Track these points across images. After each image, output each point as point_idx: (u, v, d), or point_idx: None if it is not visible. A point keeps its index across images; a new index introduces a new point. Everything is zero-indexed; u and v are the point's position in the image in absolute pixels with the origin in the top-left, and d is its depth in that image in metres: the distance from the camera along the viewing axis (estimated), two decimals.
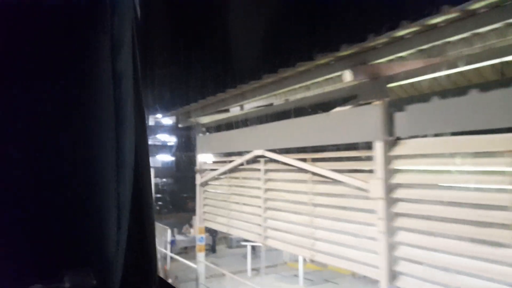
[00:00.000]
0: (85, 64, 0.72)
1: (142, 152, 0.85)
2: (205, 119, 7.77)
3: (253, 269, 13.14)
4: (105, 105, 0.75)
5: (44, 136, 0.68)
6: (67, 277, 0.66)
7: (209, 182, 7.68)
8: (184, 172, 42.02)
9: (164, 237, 12.45)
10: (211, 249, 15.76)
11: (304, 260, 13.50)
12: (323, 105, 4.96)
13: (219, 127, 7.59)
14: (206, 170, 7.85)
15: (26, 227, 0.67)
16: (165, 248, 10.96)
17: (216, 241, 16.10)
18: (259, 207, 5.99)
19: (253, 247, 16.50)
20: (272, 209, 5.75)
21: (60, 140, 0.70)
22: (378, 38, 3.44)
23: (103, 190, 0.75)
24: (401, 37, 3.39)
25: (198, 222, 7.90)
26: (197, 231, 7.99)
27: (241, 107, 6.75)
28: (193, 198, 28.25)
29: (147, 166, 0.88)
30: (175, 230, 15.77)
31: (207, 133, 7.93)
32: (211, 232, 15.99)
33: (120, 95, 0.77)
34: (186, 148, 43.93)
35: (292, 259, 13.78)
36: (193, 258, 13.84)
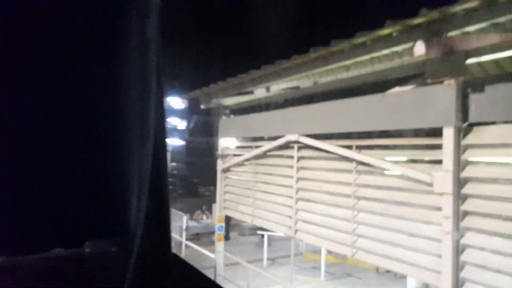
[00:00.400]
0: (114, 39, 0.76)
1: (161, 131, 0.88)
2: (229, 101, 7.25)
3: (267, 259, 12.71)
4: (131, 80, 0.80)
5: (75, 109, 0.73)
6: (87, 243, 0.75)
7: (232, 169, 7.20)
8: (195, 158, 41.92)
9: (179, 223, 12.06)
10: (224, 236, 15.40)
11: (322, 251, 13.08)
12: (370, 86, 4.40)
13: (244, 110, 7.07)
14: (228, 155, 7.36)
15: (51, 197, 0.71)
16: (180, 235, 10.58)
17: (229, 228, 15.75)
18: (290, 197, 5.50)
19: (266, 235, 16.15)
20: (306, 200, 5.25)
21: (89, 113, 0.75)
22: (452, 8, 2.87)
23: (127, 164, 0.80)
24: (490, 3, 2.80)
25: (218, 210, 7.45)
26: (216, 220, 7.55)
27: (268, 89, 6.21)
28: (203, 183, 27.96)
29: (164, 144, 0.91)
30: (187, 216, 15.46)
31: (231, 116, 7.41)
32: (226, 218, 15.65)
33: (145, 71, 0.81)
34: (199, 133, 43.72)
35: (309, 249, 13.36)
36: (205, 245, 13.48)
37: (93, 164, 0.76)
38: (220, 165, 7.44)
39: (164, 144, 0.91)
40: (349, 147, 4.46)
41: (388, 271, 9.32)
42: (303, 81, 5.37)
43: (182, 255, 9.90)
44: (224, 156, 7.40)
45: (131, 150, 0.81)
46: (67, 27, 0.71)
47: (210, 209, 17.51)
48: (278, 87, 5.97)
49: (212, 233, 14.96)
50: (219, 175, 7.47)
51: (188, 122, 49.20)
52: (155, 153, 0.85)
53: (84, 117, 0.76)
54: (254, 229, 17.15)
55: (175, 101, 48.49)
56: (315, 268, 10.82)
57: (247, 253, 13.52)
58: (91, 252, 0.74)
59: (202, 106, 7.47)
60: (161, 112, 0.89)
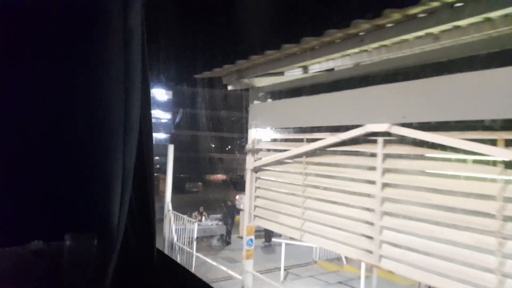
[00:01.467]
0: (94, 29, 0.73)
1: (146, 121, 0.89)
2: (265, 81, 5.67)
3: (277, 268, 11.24)
4: (115, 71, 0.76)
5: (53, 100, 0.69)
6: (67, 236, 0.69)
7: (267, 167, 5.64)
8: (181, 152, 40.00)
9: (178, 225, 10.29)
10: (223, 240, 13.84)
11: (341, 259, 11.68)
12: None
13: (288, 93, 5.50)
14: (261, 150, 5.80)
15: (31, 188, 0.68)
16: (188, 242, 8.87)
17: (231, 231, 14.18)
18: (370, 210, 4.00)
19: (269, 239, 14.61)
20: (397, 216, 3.76)
21: (68, 104, 0.71)
22: None
23: (110, 155, 0.76)
24: None
25: (247, 219, 5.88)
26: (244, 231, 5.97)
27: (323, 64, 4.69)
28: (191, 179, 26.22)
29: (150, 137, 0.92)
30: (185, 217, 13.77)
31: (269, 100, 5.83)
32: (225, 219, 14.03)
33: (129, 62, 0.78)
34: (184, 126, 41.72)
35: (323, 257, 11.96)
36: (204, 250, 11.82)
37: (74, 156, 0.72)
38: (250, 162, 5.86)
39: (150, 137, 0.92)
40: (493, 143, 2.98)
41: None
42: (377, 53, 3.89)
43: (193, 269, 8.26)
44: (255, 152, 5.82)
45: (115, 142, 0.77)
46: (45, 22, 0.67)
47: (206, 210, 15.86)
48: (342, 61, 4.44)
49: (210, 236, 13.25)
50: (248, 175, 5.89)
51: (173, 115, 47.19)
52: (140, 146, 0.84)
53: (66, 110, 0.71)
54: (257, 231, 15.62)
55: (159, 93, 46.42)
56: (341, 284, 9.36)
57: (255, 261, 11.98)
58: (71, 245, 0.69)
59: (229, 87, 5.84)
60: (146, 105, 0.88)
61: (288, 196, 5.22)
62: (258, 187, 5.84)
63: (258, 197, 5.85)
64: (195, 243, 8.19)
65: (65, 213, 0.72)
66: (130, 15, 0.77)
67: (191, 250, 8.22)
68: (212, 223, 13.34)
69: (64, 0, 0.69)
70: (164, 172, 33.58)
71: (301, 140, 4.98)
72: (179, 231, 8.86)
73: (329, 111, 4.60)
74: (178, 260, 8.41)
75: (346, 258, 11.14)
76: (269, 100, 5.81)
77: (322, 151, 4.67)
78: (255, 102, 5.86)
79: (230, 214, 14.26)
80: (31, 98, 0.67)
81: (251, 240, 5.93)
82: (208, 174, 36.38)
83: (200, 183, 32.26)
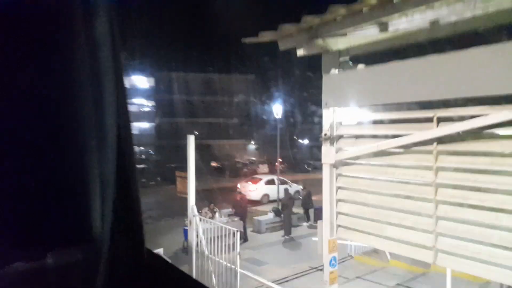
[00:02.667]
0: (60, 32, 0.69)
1: (124, 122, 0.83)
2: (349, 41, 4.07)
3: (312, 268, 9.86)
4: (83, 74, 0.72)
5: (20, 111, 0.65)
6: (50, 254, 0.66)
7: (356, 161, 4.10)
8: (166, 140, 38.00)
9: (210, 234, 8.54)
10: (242, 236, 12.34)
11: (378, 251, 10.40)
12: None
13: (384, 56, 3.93)
14: (344, 138, 4.25)
15: (6, 207, 0.64)
16: (228, 249, 7.10)
17: (246, 226, 12.69)
18: None
19: (289, 231, 13.23)
20: None
21: (37, 114, 0.67)
22: None
23: (85, 164, 0.73)
24: None
25: (328, 230, 4.35)
26: (325, 247, 4.44)
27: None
28: (180, 168, 24.37)
29: (130, 138, 0.87)
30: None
31: (360, 66, 4.21)
32: (241, 215, 12.50)
33: (99, 63, 0.74)
34: (169, 114, 39.61)
35: (359, 251, 10.65)
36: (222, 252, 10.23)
37: (48, 166, 0.68)
38: (327, 154, 4.29)
39: (129, 135, 0.87)
40: None
41: None
42: None
43: None
44: (334, 140, 4.26)
45: (91, 146, 0.74)
46: (11, 26, 0.63)
47: (217, 205, 14.27)
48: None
49: (223, 236, 11.65)
50: (327, 172, 4.33)
51: (155, 103, 44.75)
52: (119, 146, 0.80)
53: (34, 121, 0.67)
54: (272, 223, 14.22)
55: (140, 80, 43.82)
56: (400, 286, 8.01)
57: (282, 259, 10.57)
58: (55, 264, 0.66)
59: (300, 53, 4.18)
60: (123, 104, 0.83)
61: (401, 201, 3.70)
62: (342, 188, 4.30)
63: (341, 201, 4.31)
64: (238, 256, 6.59)
65: (45, 230, 0.69)
66: (99, 11, 0.73)
67: (233, 266, 6.62)
68: (226, 219, 11.76)
69: (29, 2, 0.65)
70: (153, 163, 31.40)
71: (426, 120, 3.44)
72: (210, 240, 7.24)
73: (472, 74, 3.06)
74: (215, 283, 6.83)
75: (389, 252, 9.81)
76: (360, 66, 4.20)
77: (471, 134, 3.16)
78: (332, 71, 4.25)
79: (243, 207, 12.71)
80: (5, 112, 0.64)
81: (334, 258, 4.41)
82: (199, 161, 34.67)
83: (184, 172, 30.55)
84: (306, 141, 44.96)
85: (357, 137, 4.17)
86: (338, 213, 4.33)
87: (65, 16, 0.70)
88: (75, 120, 0.72)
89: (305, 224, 14.44)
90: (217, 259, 6.85)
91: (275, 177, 21.18)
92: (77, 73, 0.72)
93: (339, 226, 4.35)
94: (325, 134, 4.25)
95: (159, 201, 20.45)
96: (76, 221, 0.72)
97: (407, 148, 3.61)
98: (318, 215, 14.86)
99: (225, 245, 6.97)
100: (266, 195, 19.74)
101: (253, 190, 18.40)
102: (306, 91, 39.48)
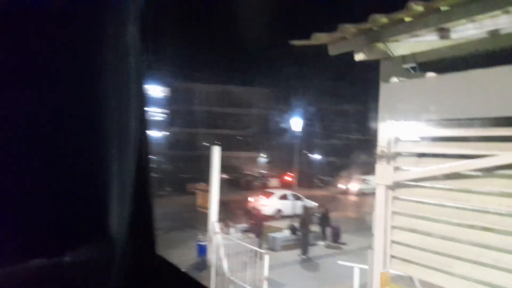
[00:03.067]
0: (89, 39, 0.71)
1: (143, 128, 0.87)
2: (414, 47, 3.57)
3: None
4: (110, 81, 0.75)
5: (48, 113, 0.67)
6: (68, 252, 0.68)
7: (419, 183, 3.56)
8: (178, 150, 37.66)
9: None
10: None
11: (403, 277, 9.67)
12: None
13: (459, 63, 3.43)
14: (404, 156, 3.72)
15: (28, 204, 0.66)
16: (249, 268, 6.54)
17: (261, 243, 12.07)
18: None
19: (306, 249, 12.56)
20: None
21: (63, 115, 0.69)
22: None
23: (104, 167, 0.76)
24: None
25: (381, 262, 3.79)
26: (376, 280, 3.87)
27: None
28: (191, 179, 23.92)
29: (148, 145, 0.92)
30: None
31: (430, 74, 3.70)
32: (257, 232, 11.89)
33: (124, 69, 0.78)
34: (181, 123, 39.41)
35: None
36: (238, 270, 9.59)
37: (69, 168, 0.70)
38: (383, 174, 3.75)
39: (146, 141, 0.91)
40: None
41: None
42: None
43: None
44: (391, 157, 3.73)
45: (112, 150, 0.77)
46: (40, 28, 0.65)
47: (232, 219, 13.71)
48: None
49: (240, 253, 10.95)
50: (381, 194, 3.79)
51: (169, 112, 44.61)
52: (137, 151, 0.83)
53: (58, 122, 0.69)
54: (288, 241, 13.57)
55: (153, 90, 43.82)
56: None
57: (301, 282, 9.91)
58: (72, 261, 0.68)
59: (359, 57, 3.69)
60: (142, 111, 0.87)
61: (478, 233, 3.14)
62: (398, 213, 3.74)
63: (397, 228, 3.76)
64: (266, 282, 6.01)
65: (64, 227, 0.70)
66: (128, 22, 0.75)
67: None
68: (242, 235, 11.17)
69: (61, 6, 0.66)
70: (163, 172, 30.95)
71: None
72: (230, 257, 6.67)
73: None
74: None
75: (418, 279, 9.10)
76: (429, 74, 3.69)
77: None
78: (393, 79, 3.75)
79: (258, 224, 12.11)
80: (22, 107, 0.64)
81: None
82: (207, 172, 34.07)
83: (202, 183, 29.99)
84: (316, 156, 44.28)
85: (420, 155, 3.63)
86: (393, 242, 3.77)
87: (94, 19, 0.71)
88: (98, 123, 0.74)
89: (321, 243, 13.78)
90: (239, 282, 6.27)
91: (288, 192, 20.59)
92: (102, 78, 0.73)
93: (393, 257, 3.79)
94: (383, 151, 3.72)
95: (169, 212, 19.94)
96: (94, 221, 0.74)
97: (489, 171, 3.06)
98: (336, 234, 14.19)
99: (246, 264, 6.41)
100: (279, 210, 19.11)
101: (265, 204, 17.78)
102: (318, 105, 39.06)
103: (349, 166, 43.12)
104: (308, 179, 34.33)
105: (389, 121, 3.75)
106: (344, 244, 13.92)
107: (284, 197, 19.83)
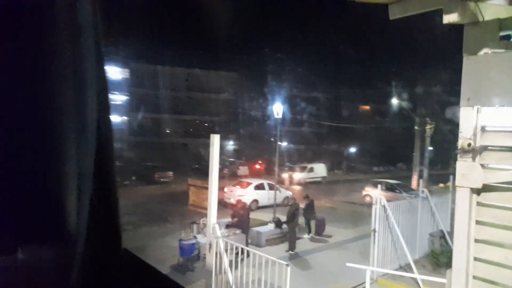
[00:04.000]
0: (43, 22, 0.67)
1: (105, 122, 0.81)
2: None
3: None
4: (68, 75, 0.71)
5: (2, 102, 0.64)
6: (21, 250, 0.65)
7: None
8: (141, 137, 35.64)
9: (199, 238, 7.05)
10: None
11: (412, 280, 9.19)
12: None
13: None
14: (489, 149, 2.91)
15: None
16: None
17: (248, 235, 11.17)
18: None
19: (293, 245, 11.84)
20: None
21: (15, 103, 0.65)
22: None
23: (62, 159, 0.72)
24: None
25: (462, 284, 2.98)
26: None
27: None
28: (159, 168, 22.57)
29: (110, 136, 0.86)
30: (195, 226, 10.46)
31: None
32: (243, 227, 10.95)
33: (80, 58, 0.74)
34: (144, 108, 37.30)
35: (380, 274, 9.41)
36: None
37: (22, 162, 0.66)
38: (467, 174, 2.93)
39: (109, 130, 0.85)
40: None
41: None
42: None
43: None
44: (478, 151, 2.91)
45: (69, 140, 0.73)
46: None
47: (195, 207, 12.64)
48: None
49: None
50: (464, 199, 2.96)
51: (130, 96, 42.06)
52: (98, 141, 0.77)
53: (12, 114, 0.65)
54: (272, 235, 12.77)
55: (112, 71, 41.03)
56: None
57: (297, 282, 9.11)
58: (25, 260, 0.65)
59: (449, 19, 2.78)
60: (104, 101, 0.81)
61: None
62: (485, 223, 2.95)
63: (483, 242, 2.96)
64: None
65: (17, 224, 0.66)
66: (80, 8, 0.71)
67: None
68: (227, 232, 10.19)
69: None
70: (125, 161, 29.03)
71: None
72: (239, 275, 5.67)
73: None
74: None
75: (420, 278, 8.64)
76: None
77: None
78: (484, 51, 2.89)
79: (244, 218, 11.18)
80: None
81: None
82: (176, 161, 32.52)
83: (170, 172, 28.47)
84: (284, 143, 43.91)
85: None
86: (477, 259, 2.98)
87: (45, 5, 0.66)
88: (54, 113, 0.69)
89: (305, 236, 13.12)
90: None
91: (264, 182, 19.81)
92: (57, 65, 0.69)
93: (475, 277, 3.00)
94: (469, 144, 2.87)
95: (137, 204, 18.49)
96: (51, 217, 0.70)
97: None
98: (320, 227, 13.59)
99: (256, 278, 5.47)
100: (255, 201, 18.27)
101: (242, 195, 16.84)
102: (290, 90, 38.45)
103: (314, 154, 43.25)
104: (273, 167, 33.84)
105: (474, 105, 2.92)
106: (329, 236, 13.37)
107: (260, 187, 19.01)
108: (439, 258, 9.48)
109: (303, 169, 31.40)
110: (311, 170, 31.61)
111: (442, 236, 10.85)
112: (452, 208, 12.63)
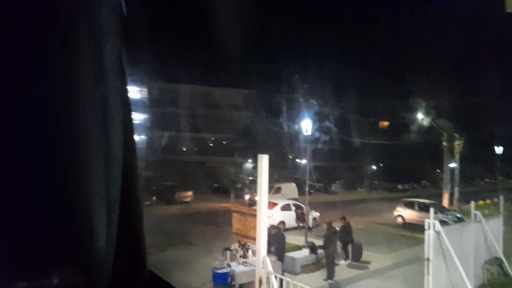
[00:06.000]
0: (70, 60, 0.69)
1: (130, 146, 0.84)
2: None
3: None
4: (92, 101, 0.73)
5: (30, 133, 0.65)
6: (54, 275, 0.66)
7: None
8: (159, 156, 35.23)
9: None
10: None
11: None
12: None
13: None
14: None
15: (12, 226, 0.64)
16: None
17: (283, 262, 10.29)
18: None
19: (333, 272, 10.93)
20: None
21: (46, 137, 0.67)
22: None
23: (91, 187, 0.75)
24: None
25: None
26: None
27: None
28: (178, 187, 21.79)
29: (135, 160, 0.89)
30: (227, 253, 9.69)
31: None
32: (279, 254, 10.12)
33: (107, 90, 0.76)
34: (161, 127, 37.06)
35: None
36: None
37: (54, 189, 0.68)
38: None
39: (133, 152, 0.87)
40: None
41: None
42: None
43: None
44: None
45: (97, 165, 0.74)
46: (18, 30, 0.64)
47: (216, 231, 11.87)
48: None
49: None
50: None
51: (148, 115, 42.09)
52: (124, 164, 0.79)
53: (42, 142, 0.67)
54: (307, 262, 11.92)
55: (131, 90, 41.16)
56: None
57: None
58: (59, 284, 0.66)
59: None
60: (128, 128, 0.82)
61: None
62: None
63: None
64: None
65: (50, 249, 0.67)
66: (105, 32, 0.72)
67: None
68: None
69: (36, 30, 0.64)
70: (145, 180, 28.67)
71: None
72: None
73: None
74: None
75: None
76: None
77: None
78: None
79: (280, 244, 10.32)
80: (9, 133, 0.62)
81: None
82: (195, 180, 31.94)
83: (190, 192, 27.88)
84: (304, 161, 43.04)
85: None
86: None
87: (72, 23, 0.67)
88: (81, 135, 0.70)
89: (343, 262, 12.19)
90: None
91: (290, 202, 18.99)
92: (82, 87, 0.70)
93: None
94: None
95: (158, 226, 17.84)
96: (81, 242, 0.71)
97: None
98: (358, 252, 12.65)
99: None
100: (282, 223, 17.43)
101: (269, 216, 16.06)
102: (312, 106, 37.86)
103: (334, 171, 42.25)
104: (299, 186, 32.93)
105: None
106: (367, 262, 12.40)
107: (287, 208, 18.18)
108: None
109: (269, 189, 27.39)
110: (278, 190, 26.60)
111: (500, 264, 9.81)
112: (504, 232, 11.57)
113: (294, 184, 27.49)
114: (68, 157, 0.70)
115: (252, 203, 19.91)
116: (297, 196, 25.38)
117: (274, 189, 26.75)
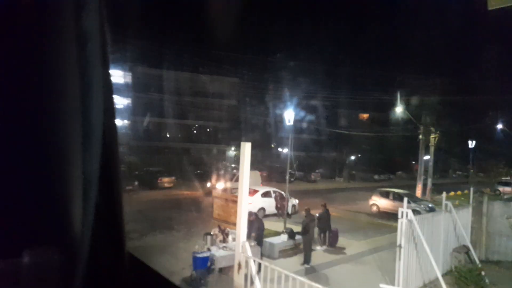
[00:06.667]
0: (47, 31, 0.68)
1: (110, 129, 0.83)
2: None
3: None
4: (70, 74, 0.72)
5: (6, 106, 0.64)
6: (26, 253, 0.65)
7: None
8: (143, 141, 35.00)
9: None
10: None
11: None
12: None
13: None
14: None
15: None
16: None
17: (262, 246, 10.61)
18: None
19: (309, 258, 11.35)
20: None
21: (21, 110, 0.66)
22: None
23: (68, 163, 0.73)
24: None
25: None
26: None
27: None
28: (161, 173, 21.91)
29: (115, 143, 0.88)
30: (208, 237, 9.91)
31: None
32: (258, 240, 10.42)
33: (86, 62, 0.75)
34: (145, 112, 36.71)
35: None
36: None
37: (26, 166, 0.66)
38: None
39: (114, 134, 0.86)
40: None
41: None
42: None
43: None
44: None
45: (75, 145, 0.71)
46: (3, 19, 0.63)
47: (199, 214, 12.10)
48: None
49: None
50: None
51: (132, 100, 41.47)
52: (104, 145, 0.78)
53: (17, 119, 0.66)
54: (285, 247, 12.28)
55: (114, 75, 40.43)
56: None
57: None
58: (30, 262, 0.65)
59: None
60: (110, 107, 0.81)
61: None
62: None
63: None
64: None
65: (22, 227, 0.66)
66: (85, 14, 0.71)
67: None
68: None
69: (15, 4, 0.63)
70: (127, 165, 28.46)
71: None
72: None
73: None
74: None
75: None
76: None
77: None
78: None
79: (259, 230, 10.64)
80: None
81: None
82: (178, 166, 31.91)
83: (173, 177, 27.89)
84: (285, 150, 43.52)
85: None
86: None
87: (52, 10, 0.67)
88: (60, 117, 0.69)
89: (319, 248, 12.63)
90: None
91: (271, 189, 19.33)
92: (63, 69, 0.70)
93: None
94: None
95: (140, 210, 17.94)
96: (56, 221, 0.70)
97: None
98: (334, 238, 13.10)
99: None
100: (262, 209, 17.79)
101: (250, 203, 16.35)
102: (294, 96, 38.10)
103: (314, 161, 42.89)
104: (278, 173, 33.42)
105: None
106: (343, 248, 12.88)
107: (267, 195, 18.52)
108: (467, 276, 9.00)
109: (232, 177, 24.56)
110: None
111: (467, 252, 10.40)
112: (472, 222, 12.20)
113: (258, 172, 26.39)
114: (45, 138, 0.69)
115: (234, 189, 20.15)
116: (260, 184, 23.92)
117: (236, 177, 25.60)
